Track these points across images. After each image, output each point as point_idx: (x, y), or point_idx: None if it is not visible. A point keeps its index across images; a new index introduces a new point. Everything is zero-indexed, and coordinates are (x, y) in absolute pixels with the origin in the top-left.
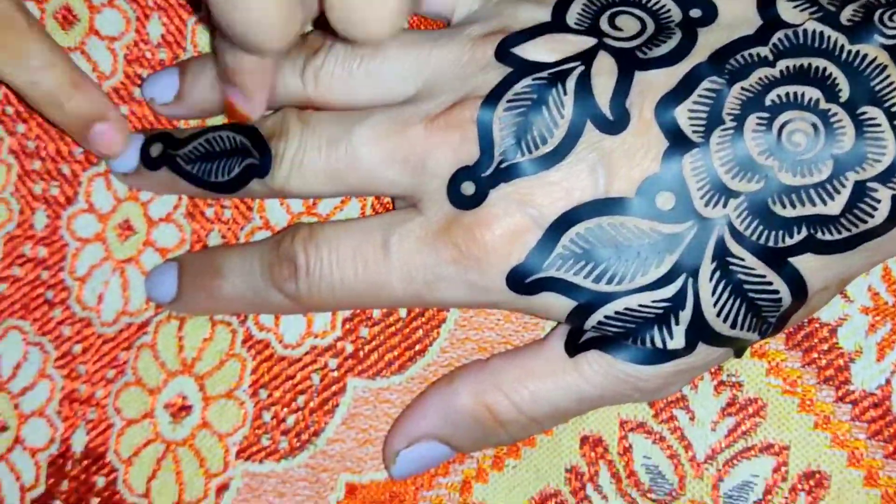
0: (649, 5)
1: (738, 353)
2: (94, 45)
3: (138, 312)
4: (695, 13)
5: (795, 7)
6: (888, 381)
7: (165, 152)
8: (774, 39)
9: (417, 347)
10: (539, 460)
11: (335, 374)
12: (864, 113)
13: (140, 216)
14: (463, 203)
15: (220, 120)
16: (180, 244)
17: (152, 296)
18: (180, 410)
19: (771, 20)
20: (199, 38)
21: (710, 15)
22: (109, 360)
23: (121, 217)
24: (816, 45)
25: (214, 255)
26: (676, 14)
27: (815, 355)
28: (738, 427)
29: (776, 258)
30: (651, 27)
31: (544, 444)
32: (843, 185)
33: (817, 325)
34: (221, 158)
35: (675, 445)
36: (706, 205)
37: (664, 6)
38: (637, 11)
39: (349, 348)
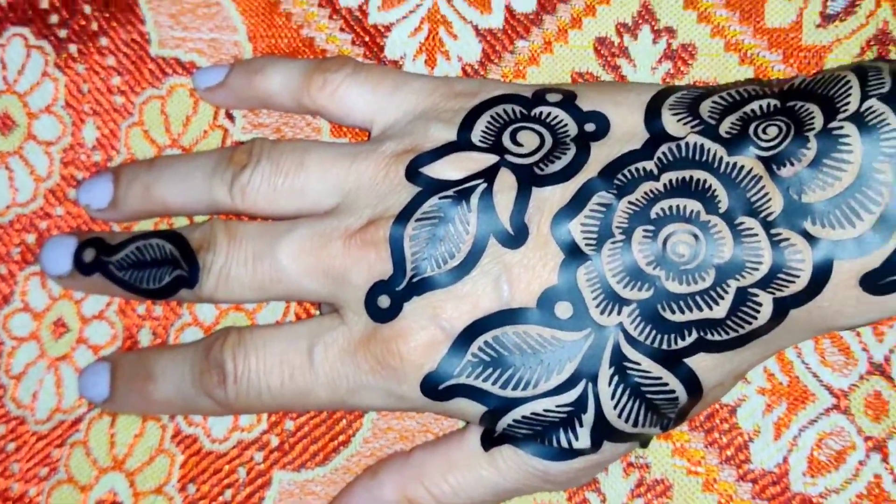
0: (548, 120)
1: (643, 445)
2: (32, 149)
3: (71, 409)
4: (589, 127)
5: (679, 120)
6: (785, 459)
7: (98, 258)
8: (659, 153)
9: (341, 438)
10: None
11: (261, 466)
12: (741, 223)
13: (73, 314)
14: (380, 316)
15: (150, 224)
16: (112, 341)
17: (85, 395)
18: None
19: (656, 134)
20: (132, 142)
21: (603, 129)
22: (42, 458)
23: (55, 315)
24: (697, 157)
25: (147, 359)
26: (573, 128)
27: (717, 436)
28: None
29: (670, 360)
30: (549, 142)
31: None
32: (726, 292)
33: (718, 407)
34: (152, 267)
35: None
36: (601, 313)
37: (562, 121)
38: (537, 127)
39: (274, 441)
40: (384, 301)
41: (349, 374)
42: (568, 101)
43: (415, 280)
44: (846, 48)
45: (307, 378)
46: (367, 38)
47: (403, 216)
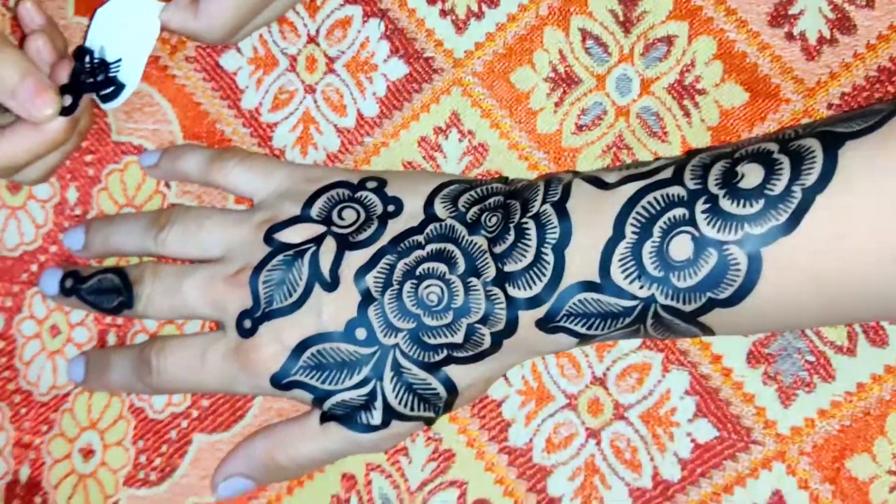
0: (365, 202)
1: (428, 423)
2: (33, 205)
3: (63, 387)
4: (390, 208)
5: (444, 208)
6: (531, 440)
7: (74, 286)
8: (427, 230)
9: (239, 413)
10: (316, 489)
11: (186, 430)
12: (470, 282)
13: (64, 321)
14: (244, 333)
15: (113, 261)
16: (90, 341)
17: (70, 378)
18: (88, 454)
19: (429, 216)
20: (101, 202)
21: (399, 210)
22: (44, 419)
23: (52, 322)
24: (450, 234)
25: (107, 355)
26: (380, 208)
27: (487, 420)
28: (437, 468)
29: (431, 368)
30: (363, 217)
31: (318, 478)
32: (460, 327)
33: (489, 401)
34: (107, 293)
35: (398, 480)
36: (384, 336)
37: (373, 202)
38: (357, 206)
39: (195, 413)
40: (247, 324)
41: (227, 371)
42: (381, 187)
43: (266, 310)
44: (592, 150)
45: (200, 372)
46: (260, 132)
47: (259, 268)
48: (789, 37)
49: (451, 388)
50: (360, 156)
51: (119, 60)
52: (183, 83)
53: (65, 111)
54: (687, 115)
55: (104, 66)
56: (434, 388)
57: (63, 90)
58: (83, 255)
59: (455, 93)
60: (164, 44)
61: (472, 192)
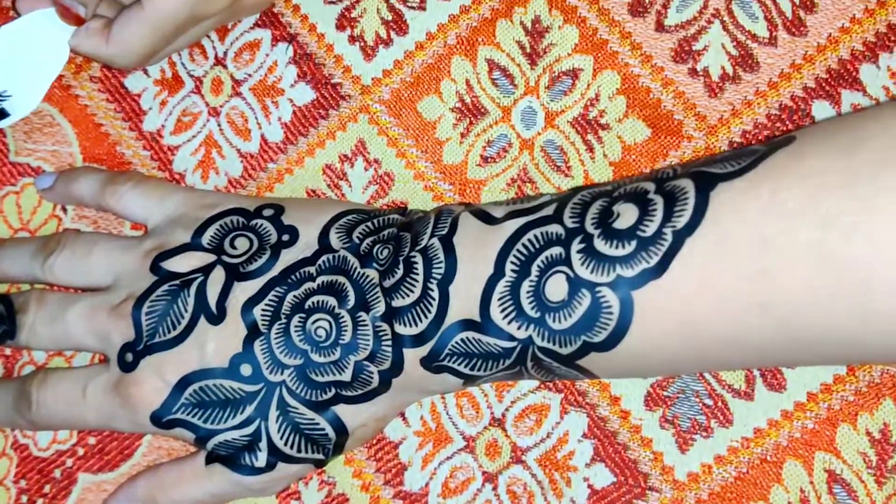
0: (259, 230)
1: (318, 465)
2: None
3: None
4: (285, 237)
5: (339, 238)
6: (427, 484)
7: None
8: (320, 261)
9: (126, 452)
10: None
11: (71, 469)
12: (360, 317)
13: None
14: (125, 367)
15: (5, 287)
16: None
17: None
18: None
19: (323, 246)
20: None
21: (293, 239)
22: None
23: None
24: (342, 266)
25: None
26: (274, 237)
27: (383, 463)
28: None
29: (319, 407)
30: (255, 246)
31: None
32: (348, 364)
33: (385, 443)
34: None
35: None
36: (270, 373)
37: (268, 231)
38: (251, 234)
39: (81, 451)
40: (129, 357)
41: (107, 406)
42: (277, 215)
43: (148, 343)
44: (496, 183)
45: (81, 407)
46: (161, 155)
47: (142, 298)
48: (693, 73)
49: (340, 428)
50: (263, 182)
51: (4, 92)
52: (86, 104)
53: None
54: (590, 149)
55: None
56: (322, 429)
57: None
58: None
59: (362, 120)
60: (69, 63)
61: (369, 223)
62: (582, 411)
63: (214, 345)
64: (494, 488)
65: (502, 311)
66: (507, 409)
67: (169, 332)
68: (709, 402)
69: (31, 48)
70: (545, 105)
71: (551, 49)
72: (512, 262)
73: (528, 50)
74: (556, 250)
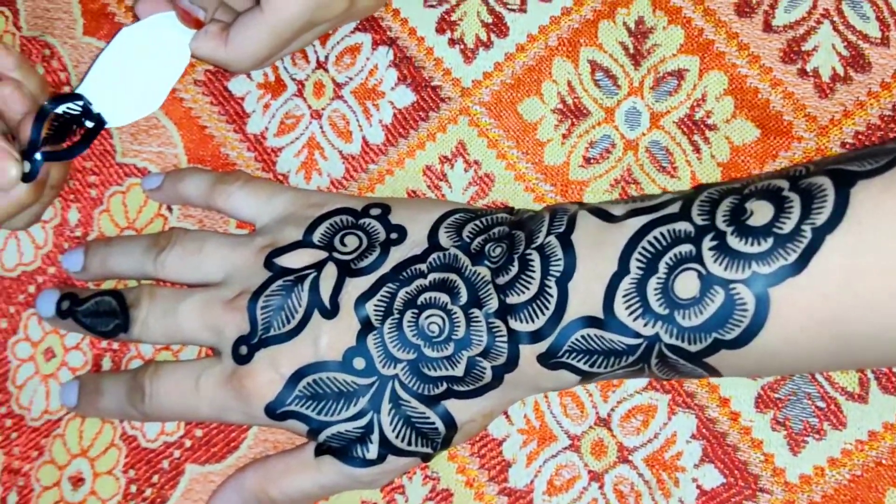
0: (367, 228)
1: (425, 459)
2: (35, 228)
3: (55, 412)
4: (393, 236)
5: (448, 237)
6: (532, 482)
7: (70, 308)
8: (430, 258)
9: (233, 444)
10: None
11: (178, 460)
12: (472, 313)
13: (59, 345)
14: (240, 360)
15: (111, 284)
16: (84, 365)
17: (63, 402)
18: (78, 482)
19: (433, 245)
20: (102, 223)
21: (402, 238)
22: (34, 444)
23: (47, 344)
24: (453, 264)
25: (99, 380)
26: (382, 235)
27: (487, 460)
28: None
29: (430, 401)
30: (365, 244)
31: None
32: (461, 359)
33: (489, 440)
34: (103, 316)
35: None
36: (383, 366)
37: (376, 229)
38: (359, 233)
39: (188, 443)
40: (243, 350)
41: (220, 398)
42: (385, 214)
43: (263, 337)
44: (599, 184)
45: (194, 399)
46: (264, 156)
47: (257, 293)
48: (802, 73)
49: (450, 422)
50: (364, 183)
51: (97, 116)
52: (190, 106)
53: (25, 177)
54: (697, 150)
55: (71, 122)
56: (433, 423)
57: (24, 154)
58: (81, 277)
59: (462, 122)
60: None
61: (477, 222)
62: (690, 412)
63: (328, 338)
64: (601, 487)
65: (627, 307)
66: (612, 410)
67: (283, 325)
68: (821, 404)
69: (152, 51)
70: (650, 106)
71: (656, 50)
72: (637, 260)
73: (632, 51)
74: (686, 248)
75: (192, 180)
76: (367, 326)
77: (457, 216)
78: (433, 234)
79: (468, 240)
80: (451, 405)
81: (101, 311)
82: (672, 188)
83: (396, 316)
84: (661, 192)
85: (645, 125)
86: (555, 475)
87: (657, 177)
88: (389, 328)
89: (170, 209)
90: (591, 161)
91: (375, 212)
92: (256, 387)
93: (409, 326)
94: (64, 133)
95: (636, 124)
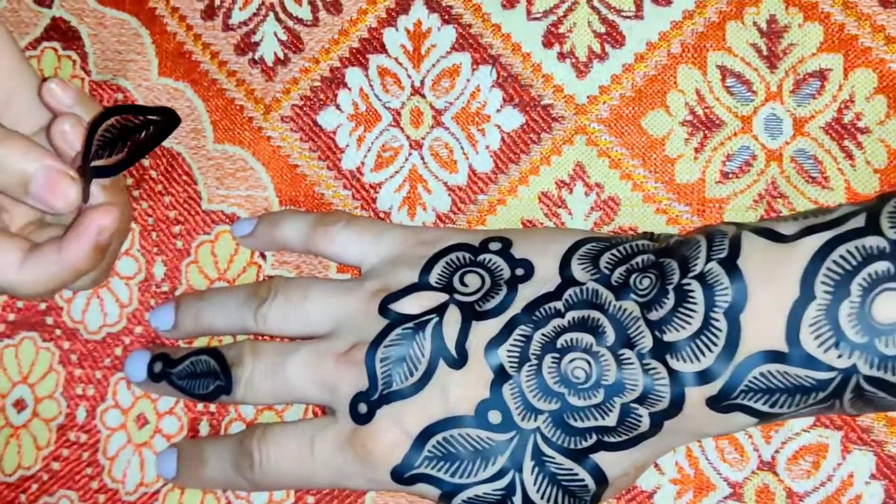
0: (489, 265)
1: None
2: (116, 283)
3: (152, 484)
4: (518, 272)
5: (583, 269)
6: None
7: (164, 370)
8: (566, 295)
9: None
10: None
11: None
12: (622, 354)
13: (151, 410)
14: (359, 419)
15: (204, 341)
16: (180, 431)
17: (160, 473)
18: None
19: (566, 279)
20: (190, 276)
21: (529, 273)
22: None
23: (138, 411)
24: (593, 300)
25: (200, 447)
26: (507, 272)
27: None
28: None
29: (578, 456)
30: (488, 283)
31: None
32: (613, 406)
33: (638, 492)
34: (201, 377)
35: None
36: (523, 419)
37: (499, 266)
38: (480, 270)
39: None
40: (363, 408)
41: (339, 462)
42: (505, 249)
43: (384, 392)
44: (741, 200)
45: (309, 464)
46: (363, 193)
47: (375, 343)
48: None
49: (600, 478)
50: (473, 215)
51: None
52: (278, 144)
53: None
54: (849, 157)
55: (124, 133)
56: (581, 480)
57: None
58: (172, 335)
59: (578, 142)
60: (256, 104)
61: (615, 251)
62: (868, 450)
63: (458, 390)
64: None
65: (817, 338)
66: (777, 451)
67: (406, 378)
68: None
69: None
70: (791, 111)
71: (792, 49)
72: (823, 283)
73: (766, 52)
74: (882, 266)
75: (290, 223)
76: (501, 375)
77: (589, 246)
78: (565, 267)
79: (607, 271)
80: (602, 458)
81: (199, 373)
82: (825, 201)
83: (534, 362)
84: (814, 206)
85: (788, 133)
86: None
87: (807, 189)
88: (527, 376)
89: (263, 256)
90: (730, 176)
91: (495, 246)
92: (380, 449)
93: (549, 373)
94: (114, 146)
95: (777, 132)
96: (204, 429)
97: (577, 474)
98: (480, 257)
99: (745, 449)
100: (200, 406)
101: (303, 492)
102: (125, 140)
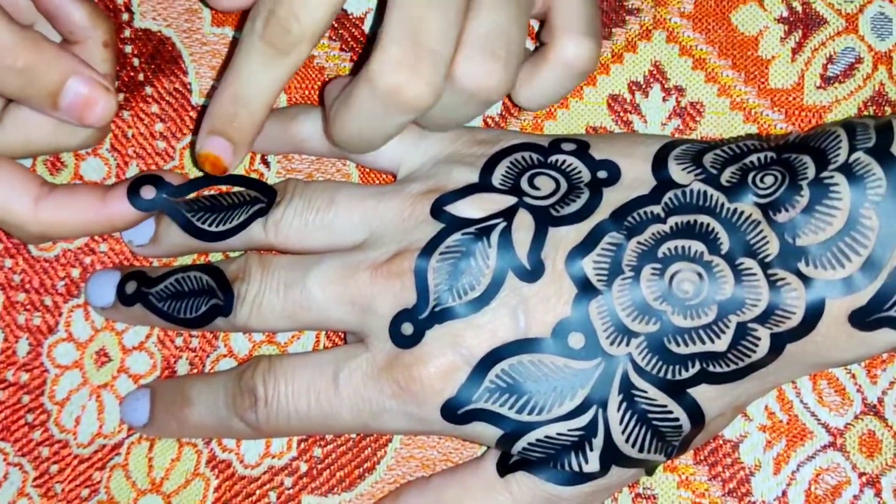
0: (563, 167)
1: (650, 472)
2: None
3: (112, 434)
4: (601, 174)
5: (683, 169)
6: (784, 493)
7: (139, 290)
8: (666, 198)
9: (366, 465)
10: None
11: (290, 491)
12: (741, 263)
13: (115, 345)
14: (403, 342)
15: (189, 259)
16: (152, 370)
17: (126, 420)
18: None
19: (663, 181)
20: None
21: (614, 176)
22: (84, 480)
23: (98, 345)
24: (701, 203)
25: (184, 385)
26: (586, 175)
27: (720, 469)
28: None
29: (675, 389)
30: (564, 186)
31: None
32: (727, 327)
33: (721, 442)
34: (189, 297)
35: None
36: (611, 344)
37: (575, 168)
38: (552, 173)
39: (303, 467)
40: (408, 328)
41: (372, 397)
42: (581, 150)
43: (437, 309)
44: (844, 108)
45: (332, 402)
46: None
47: (428, 249)
48: None
49: (697, 418)
50: (528, 121)
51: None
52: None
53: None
54: None
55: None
56: (675, 419)
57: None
58: (150, 251)
59: (657, 38)
60: None
61: (720, 151)
62: None
63: (531, 308)
64: (877, 493)
65: None
66: (884, 393)
67: (465, 293)
68: None
69: None
70: None
71: None
72: None
73: None
74: None
75: (309, 117)
76: (586, 289)
77: (685, 146)
78: (660, 167)
79: (714, 171)
80: (702, 393)
81: (186, 292)
82: None
83: (629, 274)
84: None
85: None
86: (814, 482)
87: None
88: (620, 291)
89: (266, 163)
90: (832, 81)
91: (569, 146)
92: (430, 377)
93: (648, 287)
94: None
95: (887, 33)
96: (182, 368)
97: (671, 412)
98: (552, 158)
99: (847, 390)
100: (179, 340)
101: (309, 442)
102: None
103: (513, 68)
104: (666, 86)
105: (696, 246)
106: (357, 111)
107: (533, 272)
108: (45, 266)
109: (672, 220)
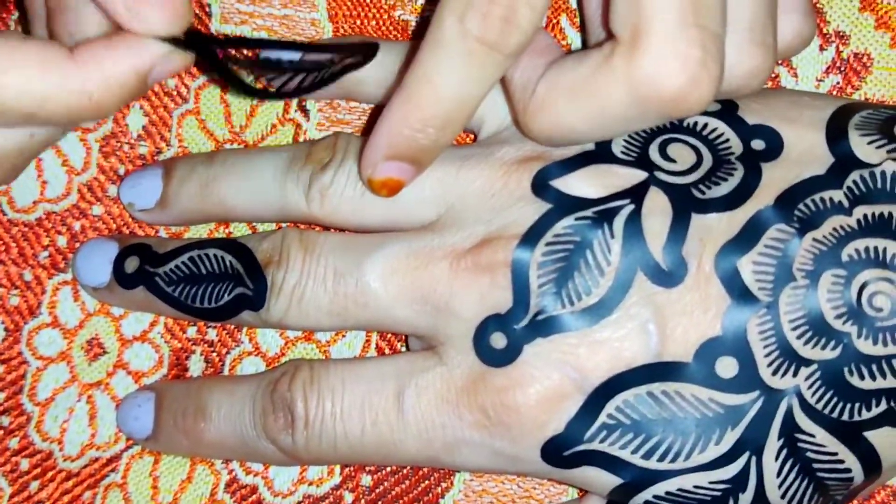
0: (705, 133)
1: None
2: (70, 142)
3: (107, 446)
4: (757, 145)
5: (870, 143)
6: None
7: (143, 268)
8: (849, 182)
9: (427, 498)
10: None
11: None
12: None
13: (111, 333)
14: (492, 358)
15: (205, 230)
16: (157, 367)
17: (124, 429)
18: None
19: (843, 158)
20: (186, 132)
21: (775, 147)
22: (71, 500)
23: (89, 333)
24: None
25: (199, 392)
26: (737, 145)
27: None
28: None
29: (850, 433)
30: (708, 159)
31: None
32: None
33: (877, 490)
34: (208, 282)
35: None
36: (774, 373)
37: (722, 135)
38: (691, 140)
39: (348, 498)
40: (499, 340)
41: (447, 425)
42: (728, 110)
43: (540, 318)
44: None
45: (394, 427)
46: None
47: (530, 238)
48: None
49: (873, 467)
50: None
51: None
52: None
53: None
54: None
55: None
56: (846, 469)
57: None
58: (156, 217)
59: None
60: None
61: None
62: None
63: (667, 322)
64: None
65: None
66: None
67: (579, 297)
68: None
69: None
70: None
71: None
72: None
73: None
74: None
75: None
76: (742, 300)
77: (868, 112)
78: (838, 139)
79: None
80: (883, 438)
81: (205, 274)
82: None
83: (802, 282)
84: None
85: None
86: None
87: None
88: (790, 304)
89: (304, 109)
90: None
91: (712, 106)
92: (529, 407)
93: (829, 300)
94: None
95: None
96: (195, 366)
97: (841, 461)
98: (688, 120)
99: None
100: (192, 331)
101: (356, 468)
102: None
103: (773, 62)
104: (825, 30)
105: (893, 248)
106: (600, 110)
107: (671, 274)
108: (23, 231)
109: (859, 212)
